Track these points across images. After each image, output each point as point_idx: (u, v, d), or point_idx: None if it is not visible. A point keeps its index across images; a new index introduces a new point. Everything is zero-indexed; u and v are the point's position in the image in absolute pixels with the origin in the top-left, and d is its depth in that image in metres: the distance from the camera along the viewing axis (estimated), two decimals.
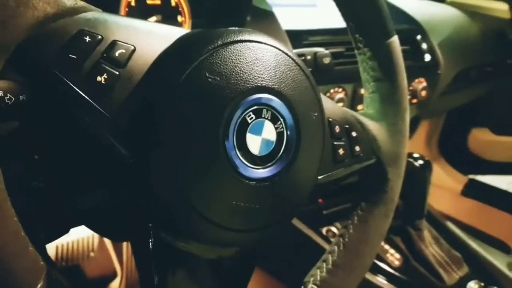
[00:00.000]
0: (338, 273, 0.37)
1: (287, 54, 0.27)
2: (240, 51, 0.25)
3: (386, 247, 0.69)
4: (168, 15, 0.56)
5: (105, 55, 0.23)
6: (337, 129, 0.33)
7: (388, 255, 0.69)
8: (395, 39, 0.38)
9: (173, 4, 0.56)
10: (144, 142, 0.23)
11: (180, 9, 0.57)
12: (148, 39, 0.25)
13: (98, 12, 0.25)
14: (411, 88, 0.72)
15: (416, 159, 0.69)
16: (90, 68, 0.23)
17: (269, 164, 0.26)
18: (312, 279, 0.36)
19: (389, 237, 0.70)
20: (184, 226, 0.26)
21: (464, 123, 1.38)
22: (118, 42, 0.24)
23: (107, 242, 0.98)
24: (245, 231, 0.27)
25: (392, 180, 0.39)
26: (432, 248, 0.68)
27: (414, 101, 0.73)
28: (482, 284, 0.68)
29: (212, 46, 0.24)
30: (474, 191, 1.37)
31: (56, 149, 0.28)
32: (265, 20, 0.59)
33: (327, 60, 0.55)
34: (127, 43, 0.24)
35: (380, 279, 0.66)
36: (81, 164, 0.29)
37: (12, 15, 0.20)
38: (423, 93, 0.72)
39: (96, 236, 0.93)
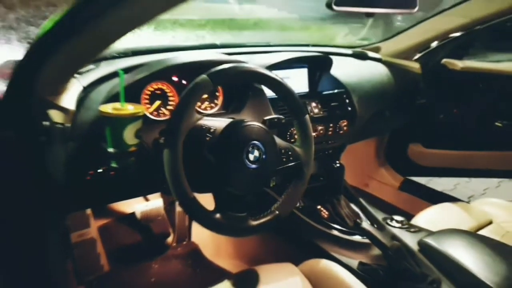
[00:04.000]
0: (283, 206, 0.91)
1: (262, 127, 0.85)
2: (249, 127, 0.82)
3: (320, 207, 1.27)
4: (213, 97, 1.08)
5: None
6: (283, 150, 0.91)
7: (322, 212, 1.26)
8: (307, 117, 0.95)
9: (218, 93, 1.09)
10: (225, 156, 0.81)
11: (218, 93, 1.09)
12: (219, 122, 0.83)
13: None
14: (338, 125, 1.29)
15: (336, 163, 1.29)
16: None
17: (256, 163, 0.82)
18: (273, 208, 0.93)
19: (322, 203, 1.28)
20: (236, 186, 0.81)
21: (403, 140, 1.93)
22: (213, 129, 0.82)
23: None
24: (249, 189, 0.85)
25: (305, 172, 0.95)
26: (344, 209, 1.26)
27: (341, 132, 1.31)
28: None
29: (241, 125, 0.82)
30: (407, 187, 1.93)
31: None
32: (258, 93, 1.09)
33: (283, 120, 0.98)
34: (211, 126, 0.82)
35: (314, 224, 1.19)
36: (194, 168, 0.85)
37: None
38: (345, 128, 1.30)
39: (161, 207, 1.52)
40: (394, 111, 1.56)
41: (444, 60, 1.69)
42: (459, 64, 1.66)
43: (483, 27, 1.49)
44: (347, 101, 1.32)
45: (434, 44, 1.65)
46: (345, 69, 1.43)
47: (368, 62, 1.61)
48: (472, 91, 1.72)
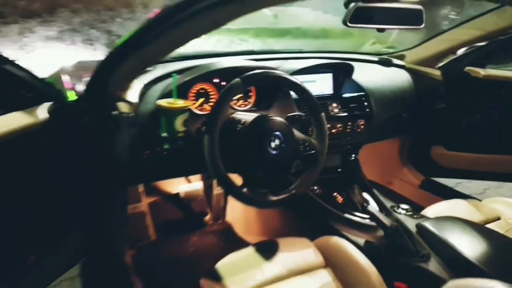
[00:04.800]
0: (299, 186, 1.10)
1: (283, 121, 1.05)
2: (272, 121, 1.03)
3: (336, 194, 1.45)
4: (247, 97, 1.29)
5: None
6: (301, 141, 1.10)
7: (337, 198, 1.43)
8: (322, 115, 1.14)
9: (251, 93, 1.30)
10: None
11: (251, 93, 1.30)
12: (248, 116, 1.04)
13: None
14: (356, 124, 1.46)
15: (351, 157, 1.46)
16: None
17: (277, 150, 1.02)
18: (290, 188, 1.12)
19: (338, 191, 1.46)
20: (259, 167, 1.03)
21: (427, 142, 2.04)
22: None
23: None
24: (270, 171, 1.05)
25: (319, 159, 1.14)
26: (356, 196, 1.43)
27: (358, 130, 1.48)
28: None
29: (266, 119, 1.02)
30: (428, 186, 2.04)
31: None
32: (285, 94, 1.29)
33: (303, 117, 1.18)
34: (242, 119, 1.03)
35: (329, 207, 1.37)
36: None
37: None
38: (362, 127, 1.47)
39: (201, 189, 1.76)
40: (413, 114, 1.69)
41: (467, 68, 1.79)
42: (481, 72, 1.76)
43: (505, 37, 1.59)
44: (365, 103, 1.49)
45: (459, 52, 1.76)
46: (367, 74, 1.59)
47: (392, 68, 1.76)
48: (494, 98, 1.80)
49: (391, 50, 1.91)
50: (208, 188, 1.81)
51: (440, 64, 1.81)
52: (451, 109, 1.82)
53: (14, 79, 0.88)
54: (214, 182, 1.78)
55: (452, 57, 1.80)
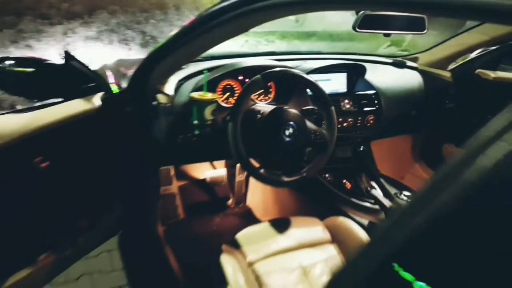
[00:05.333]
0: (309, 170, 1.27)
1: (297, 113, 1.22)
2: (287, 112, 1.20)
3: (345, 181, 1.60)
4: (268, 92, 1.48)
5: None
6: (312, 131, 1.27)
7: (346, 184, 1.59)
8: (332, 108, 1.31)
9: (271, 89, 1.49)
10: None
11: (271, 89, 1.49)
12: (267, 108, 1.22)
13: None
14: (365, 119, 1.61)
15: (361, 147, 1.61)
16: None
17: (290, 137, 1.19)
18: (302, 171, 1.29)
19: (348, 178, 1.61)
20: (275, 152, 1.21)
21: (438, 140, 2.14)
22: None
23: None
24: (284, 156, 1.23)
25: (329, 147, 1.30)
26: (363, 183, 1.57)
27: (368, 125, 1.62)
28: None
29: (282, 110, 1.20)
30: None
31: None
32: (301, 90, 1.41)
33: (316, 110, 1.33)
34: (261, 110, 1.21)
35: (338, 192, 1.53)
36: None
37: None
38: (371, 122, 1.62)
39: (225, 175, 1.95)
40: (421, 112, 1.82)
41: (478, 71, 1.88)
42: (491, 74, 1.86)
43: None
44: (375, 100, 1.63)
45: (472, 55, 1.86)
46: (380, 75, 1.73)
47: (405, 70, 1.89)
48: (504, 99, 1.89)
49: (405, 53, 2.04)
50: (231, 175, 1.99)
51: (452, 66, 1.92)
52: (462, 109, 1.92)
53: (78, 73, 1.09)
54: (237, 169, 1.96)
55: (463, 60, 1.91)
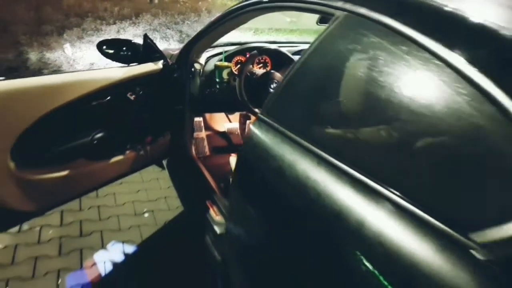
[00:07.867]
0: None
1: (279, 75, 2.00)
2: (272, 74, 1.99)
3: None
4: (265, 65, 2.28)
5: None
6: None
7: None
8: None
9: (268, 63, 2.29)
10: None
11: (268, 63, 2.29)
12: (260, 71, 2.01)
13: None
14: None
15: None
16: None
17: (274, 89, 1.97)
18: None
19: None
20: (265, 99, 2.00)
21: None
22: None
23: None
24: None
25: None
26: None
27: None
28: None
29: (269, 73, 1.99)
30: None
31: None
32: (289, 62, 2.25)
33: None
34: (256, 72, 2.01)
35: None
36: None
37: None
38: None
39: (238, 127, 2.76)
40: None
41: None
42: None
43: None
44: None
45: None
46: None
47: None
48: None
49: None
50: (242, 129, 2.78)
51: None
52: None
53: (150, 48, 1.92)
54: (247, 124, 2.73)
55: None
